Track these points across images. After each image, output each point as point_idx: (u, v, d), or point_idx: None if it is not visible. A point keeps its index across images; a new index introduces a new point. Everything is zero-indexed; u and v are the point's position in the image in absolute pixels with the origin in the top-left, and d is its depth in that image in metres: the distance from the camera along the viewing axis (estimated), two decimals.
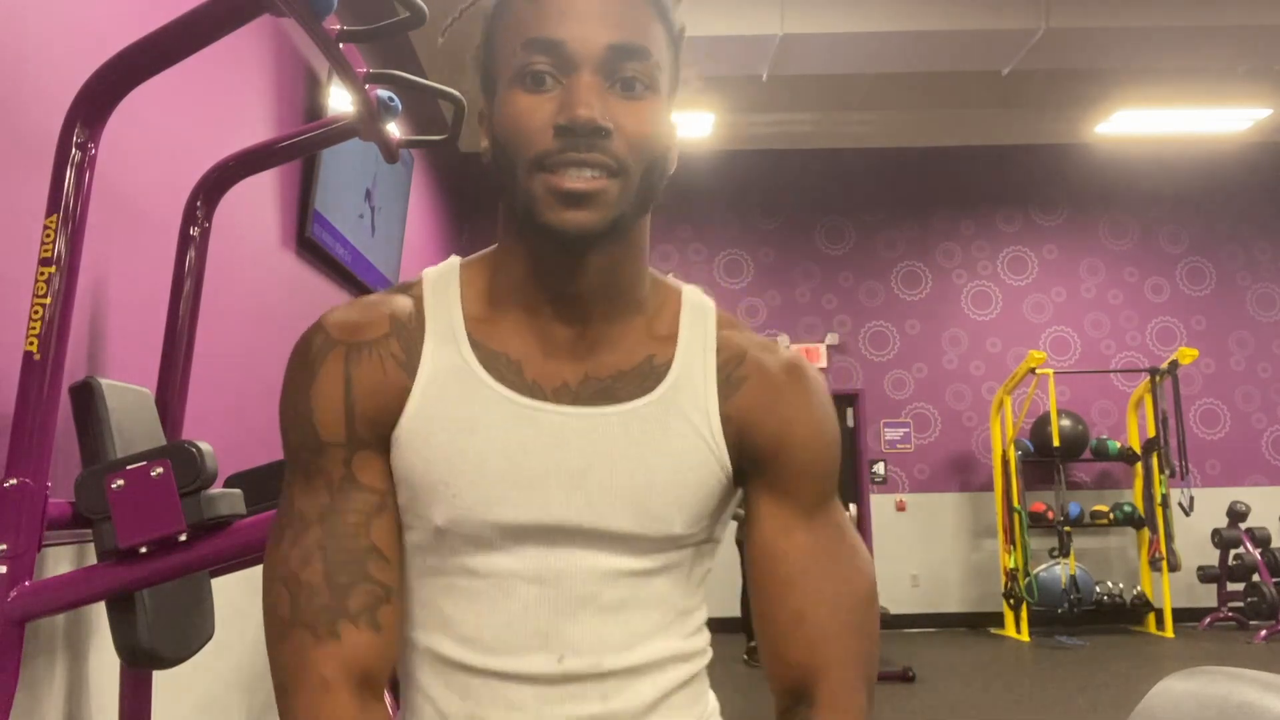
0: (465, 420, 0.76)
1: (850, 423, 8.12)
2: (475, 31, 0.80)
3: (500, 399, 0.76)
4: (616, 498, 0.75)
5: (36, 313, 1.66)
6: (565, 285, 0.77)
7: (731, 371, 0.80)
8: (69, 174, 1.70)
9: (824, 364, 8.02)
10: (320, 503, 0.75)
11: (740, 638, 6.54)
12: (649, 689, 0.78)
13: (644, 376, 0.78)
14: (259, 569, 2.56)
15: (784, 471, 0.80)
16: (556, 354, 0.78)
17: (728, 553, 6.68)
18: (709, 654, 0.87)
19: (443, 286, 0.81)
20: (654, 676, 0.78)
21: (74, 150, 1.71)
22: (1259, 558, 7.08)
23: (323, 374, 0.76)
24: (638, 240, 0.79)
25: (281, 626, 0.73)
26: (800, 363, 0.83)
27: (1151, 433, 7.28)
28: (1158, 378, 7.25)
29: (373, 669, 0.73)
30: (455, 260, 0.84)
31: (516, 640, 0.75)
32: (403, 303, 0.80)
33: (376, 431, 0.76)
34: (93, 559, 1.73)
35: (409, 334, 0.78)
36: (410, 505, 0.77)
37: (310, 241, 3.78)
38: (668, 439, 0.77)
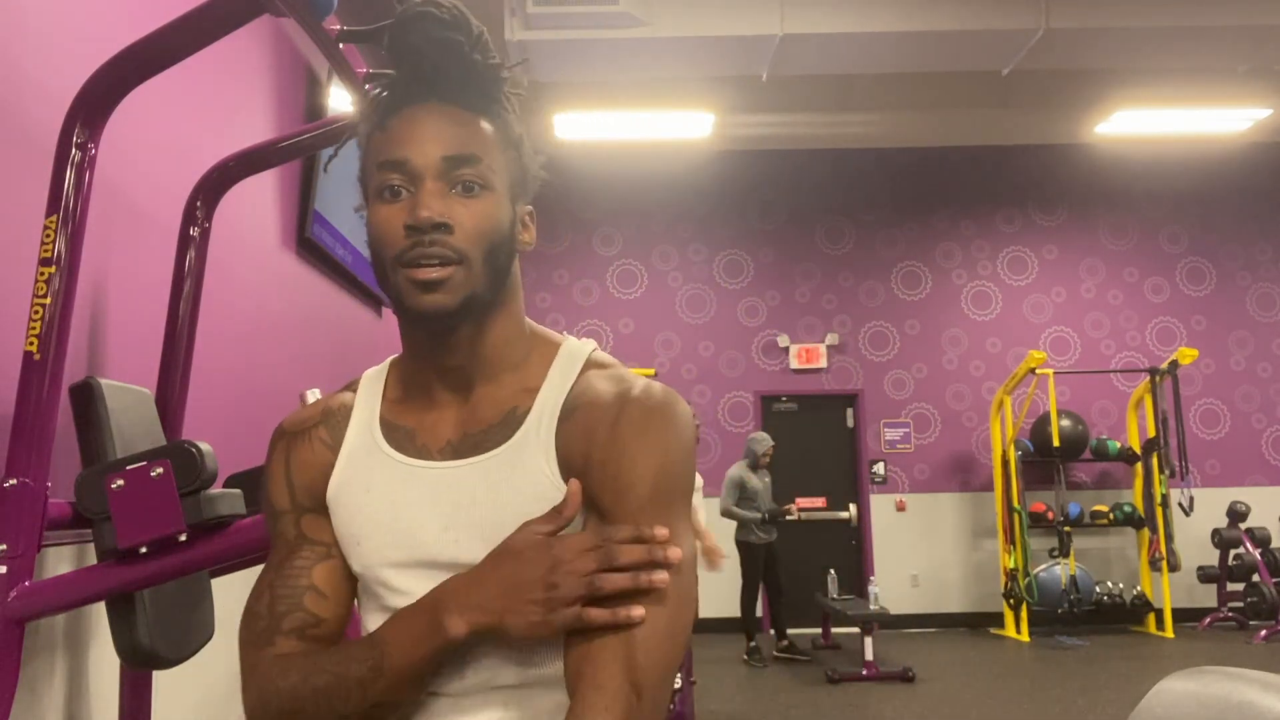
0: (365, 483, 0.93)
1: (850, 423, 8.12)
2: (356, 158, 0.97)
3: (392, 463, 0.93)
4: (476, 534, 0.88)
5: (36, 313, 1.66)
6: (443, 359, 0.92)
7: (571, 407, 0.91)
8: (69, 174, 1.70)
9: (824, 364, 8.02)
10: (279, 557, 0.95)
11: (740, 638, 6.54)
12: (548, 702, 0.87)
13: (507, 426, 0.91)
14: (259, 569, 2.56)
15: (599, 498, 0.86)
16: (445, 418, 0.94)
17: (728, 555, 6.67)
18: None
19: (375, 380, 1.00)
20: (553, 692, 0.86)
21: (74, 150, 1.71)
22: (1259, 558, 7.08)
23: (274, 460, 0.98)
24: (502, 312, 0.93)
25: (241, 647, 0.92)
26: (630, 391, 0.90)
27: (1151, 433, 7.29)
28: (1158, 378, 7.25)
29: None
30: (389, 359, 1.02)
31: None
32: (340, 398, 1.00)
33: (315, 499, 0.96)
34: (93, 559, 1.73)
35: (336, 422, 0.98)
36: (345, 555, 0.95)
37: (310, 241, 3.78)
38: (517, 478, 0.88)
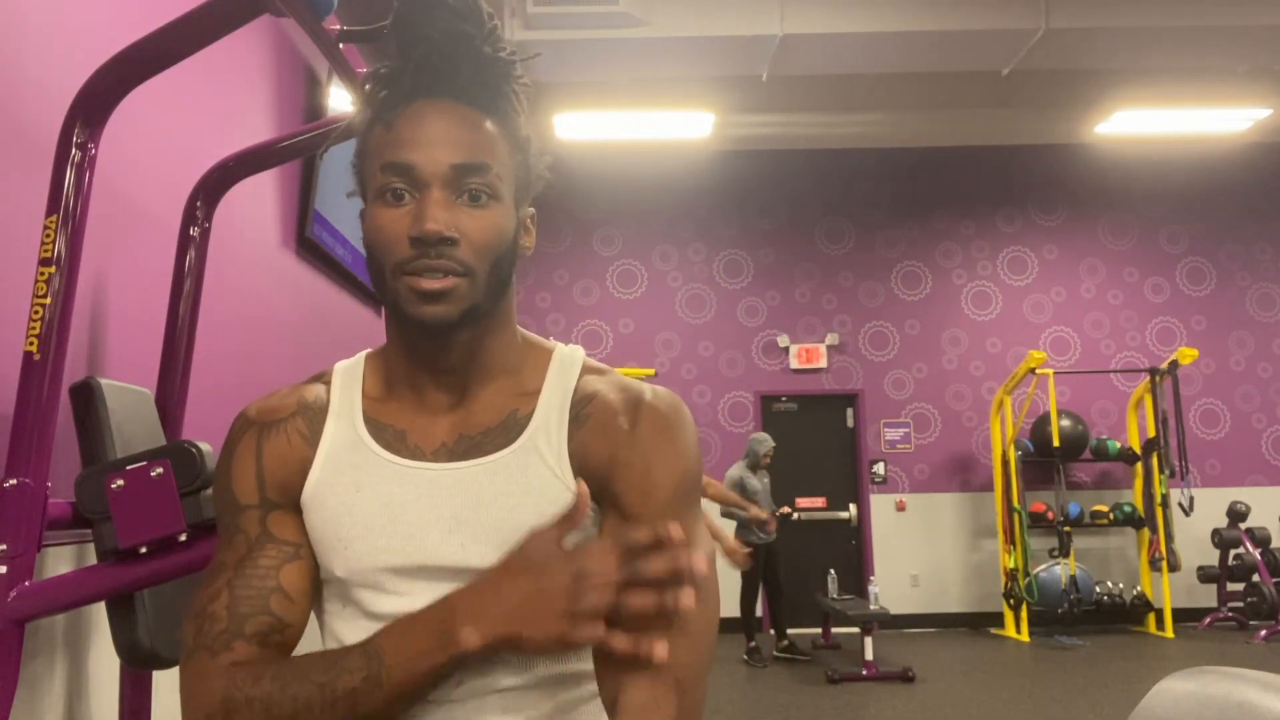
0: (353, 483, 0.89)
1: (850, 423, 8.12)
2: (353, 143, 0.93)
3: (383, 462, 0.89)
4: (485, 538, 0.85)
5: (36, 313, 1.66)
6: (438, 362, 0.90)
7: (579, 410, 0.90)
8: (69, 174, 1.70)
9: (824, 364, 8.02)
10: (238, 554, 0.87)
11: (740, 638, 6.54)
12: (547, 704, 0.85)
13: (508, 430, 0.89)
14: None
15: (620, 500, 0.86)
16: (436, 420, 0.91)
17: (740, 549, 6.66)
18: None
19: (350, 375, 0.96)
20: (554, 693, 0.86)
21: (74, 150, 1.71)
22: (1259, 558, 7.08)
23: (239, 450, 0.91)
24: (500, 318, 0.91)
25: (185, 654, 0.84)
26: (645, 396, 0.91)
27: (1151, 433, 7.28)
28: (1158, 378, 7.25)
29: None
30: (364, 353, 0.98)
31: None
32: (314, 389, 0.95)
33: (287, 495, 0.90)
34: (93, 559, 1.73)
35: (314, 414, 0.92)
36: (319, 559, 0.89)
37: (310, 241, 3.78)
38: (528, 481, 0.87)
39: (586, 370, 0.94)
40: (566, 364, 0.94)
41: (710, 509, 6.41)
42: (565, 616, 0.76)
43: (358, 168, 0.91)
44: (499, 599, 0.78)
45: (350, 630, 0.87)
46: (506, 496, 0.86)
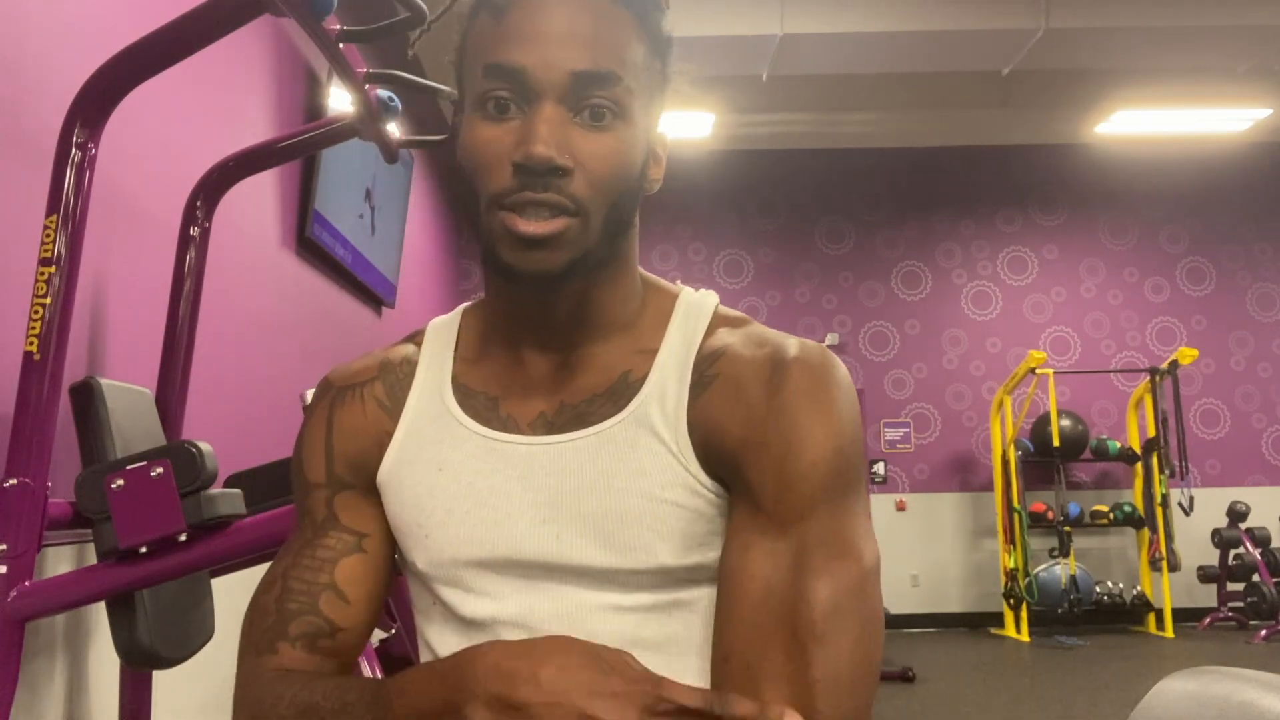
0: (435, 460, 0.75)
1: None
2: (453, 33, 0.76)
3: (470, 436, 0.75)
4: (583, 528, 0.71)
5: (36, 313, 1.66)
6: (541, 316, 0.74)
7: (704, 371, 0.73)
8: (69, 174, 1.70)
9: None
10: (303, 538, 0.78)
11: None
12: None
13: (617, 396, 0.73)
14: (260, 569, 2.55)
15: (755, 485, 0.68)
16: (536, 385, 0.76)
17: None
18: None
19: (444, 333, 0.82)
20: None
21: (74, 150, 1.71)
22: (1259, 558, 7.08)
23: (313, 419, 0.80)
24: (618, 264, 0.76)
25: (241, 647, 0.78)
26: (789, 350, 0.72)
27: (1151, 433, 7.28)
28: (1158, 378, 7.25)
29: None
30: (461, 307, 0.84)
31: None
32: (401, 350, 0.82)
33: (358, 473, 0.78)
34: (93, 559, 1.73)
35: (396, 379, 0.80)
36: (403, 549, 0.78)
37: (310, 241, 3.78)
38: (637, 459, 0.71)
39: (719, 321, 0.77)
40: (694, 313, 0.77)
41: None
42: None
43: (457, 66, 0.75)
44: (527, 683, 0.57)
45: (440, 637, 0.76)
46: (610, 478, 0.70)
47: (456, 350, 0.80)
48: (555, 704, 0.56)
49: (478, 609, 0.73)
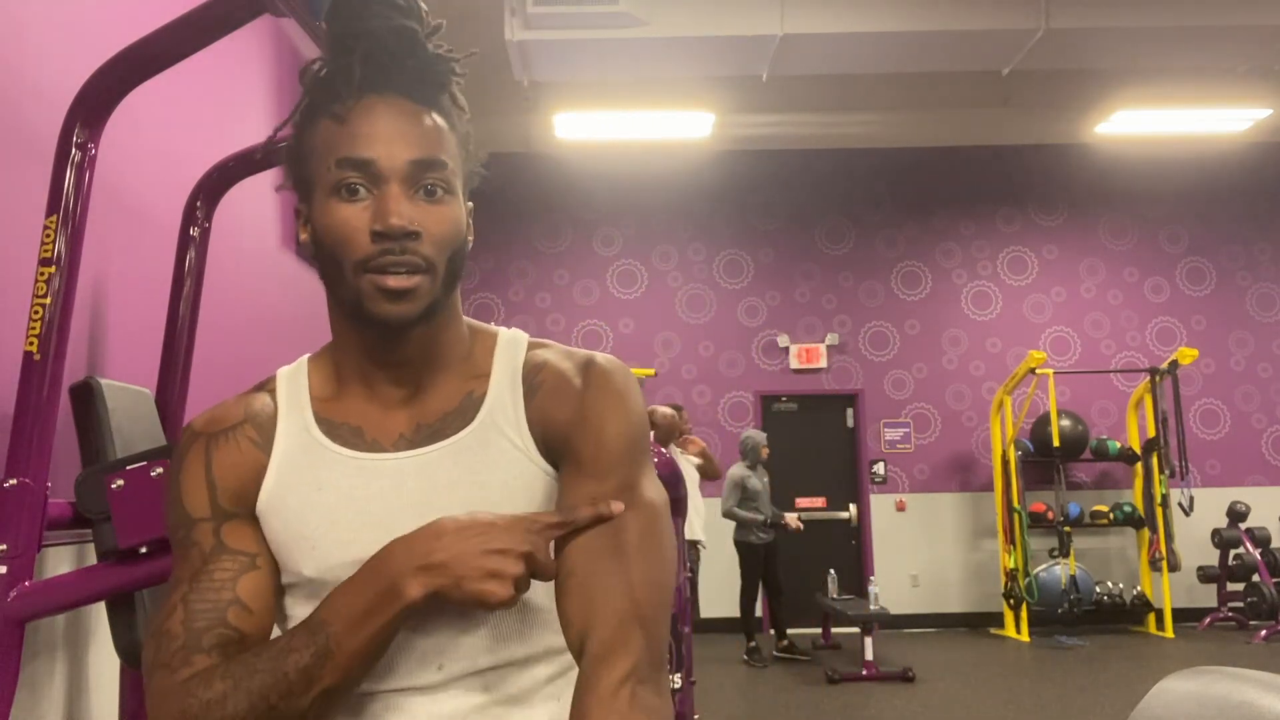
0: (314, 482, 0.88)
1: (850, 423, 8.12)
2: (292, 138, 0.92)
3: (343, 459, 0.89)
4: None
5: (36, 313, 1.66)
6: (392, 356, 0.90)
7: (532, 380, 0.92)
8: (69, 174, 1.70)
9: (824, 364, 8.03)
10: (193, 568, 0.87)
11: (740, 638, 6.53)
12: (526, 679, 0.88)
13: (465, 411, 0.91)
14: None
15: (579, 453, 0.88)
16: (392, 412, 0.91)
17: (727, 555, 6.67)
18: None
19: (294, 378, 0.95)
20: (530, 668, 0.88)
21: (74, 150, 1.71)
22: (1259, 558, 7.08)
23: (187, 463, 0.90)
24: (451, 309, 0.92)
25: (148, 672, 0.84)
26: (595, 359, 0.94)
27: (1151, 433, 7.29)
28: (1158, 378, 7.25)
29: None
30: (304, 357, 0.98)
31: (402, 665, 0.85)
32: (259, 398, 0.95)
33: (241, 503, 0.89)
34: (93, 559, 1.73)
35: (263, 420, 0.92)
36: (283, 563, 0.89)
37: None
38: (490, 457, 0.89)
39: (532, 346, 0.97)
40: (512, 343, 0.96)
41: (712, 507, 6.41)
42: (498, 556, 0.78)
43: (298, 161, 0.89)
44: (438, 548, 0.79)
45: None
46: (473, 474, 0.88)
47: (311, 393, 0.94)
48: (462, 552, 0.78)
49: None
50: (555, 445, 0.89)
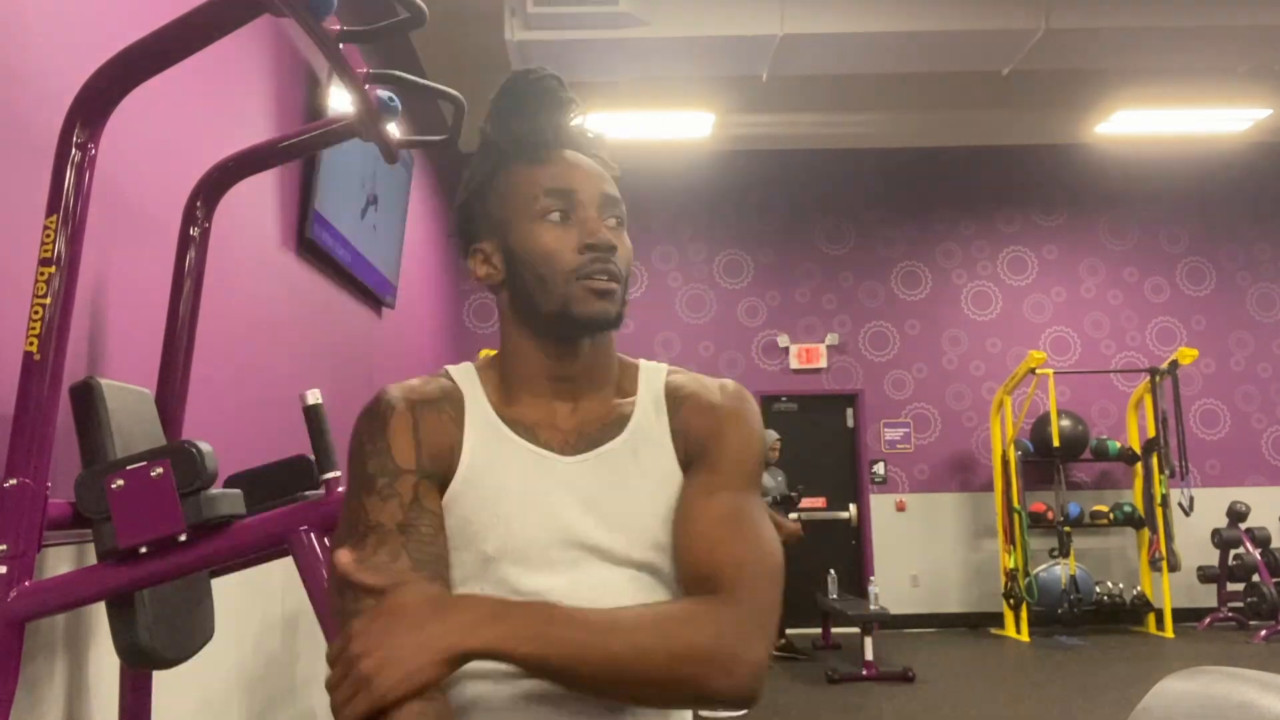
0: (504, 466, 1.00)
1: (850, 423, 8.12)
2: (456, 192, 1.10)
3: (526, 451, 1.01)
4: (611, 521, 0.99)
5: (36, 313, 1.66)
6: (564, 371, 1.03)
7: (675, 398, 1.06)
8: (69, 174, 1.70)
9: (824, 364, 8.02)
10: (396, 517, 0.94)
11: None
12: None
13: (616, 424, 1.04)
14: (259, 569, 2.54)
15: (712, 454, 1.02)
16: (558, 422, 1.04)
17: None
18: None
19: (467, 377, 1.06)
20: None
21: (74, 150, 1.71)
22: (1259, 558, 7.08)
23: (395, 420, 0.99)
24: (612, 336, 1.07)
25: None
26: (730, 384, 1.09)
27: (1151, 433, 7.29)
28: (1158, 378, 7.25)
29: None
30: (468, 364, 1.10)
31: None
32: (444, 383, 1.05)
33: (437, 467, 0.99)
34: (93, 559, 1.73)
35: (455, 403, 1.03)
36: (462, 535, 0.98)
37: (310, 242, 3.78)
38: (640, 464, 1.02)
39: (671, 372, 1.11)
40: (652, 373, 1.10)
41: None
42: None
43: (495, 204, 1.04)
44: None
45: None
46: (625, 479, 1.00)
47: (485, 394, 1.05)
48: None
49: (538, 584, 0.95)
50: (694, 451, 1.03)
